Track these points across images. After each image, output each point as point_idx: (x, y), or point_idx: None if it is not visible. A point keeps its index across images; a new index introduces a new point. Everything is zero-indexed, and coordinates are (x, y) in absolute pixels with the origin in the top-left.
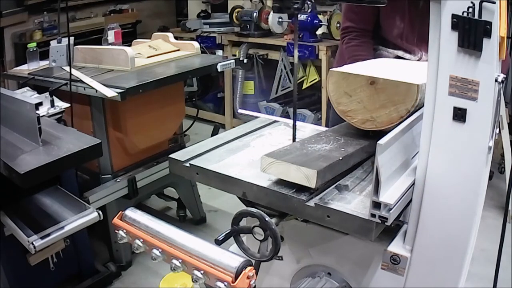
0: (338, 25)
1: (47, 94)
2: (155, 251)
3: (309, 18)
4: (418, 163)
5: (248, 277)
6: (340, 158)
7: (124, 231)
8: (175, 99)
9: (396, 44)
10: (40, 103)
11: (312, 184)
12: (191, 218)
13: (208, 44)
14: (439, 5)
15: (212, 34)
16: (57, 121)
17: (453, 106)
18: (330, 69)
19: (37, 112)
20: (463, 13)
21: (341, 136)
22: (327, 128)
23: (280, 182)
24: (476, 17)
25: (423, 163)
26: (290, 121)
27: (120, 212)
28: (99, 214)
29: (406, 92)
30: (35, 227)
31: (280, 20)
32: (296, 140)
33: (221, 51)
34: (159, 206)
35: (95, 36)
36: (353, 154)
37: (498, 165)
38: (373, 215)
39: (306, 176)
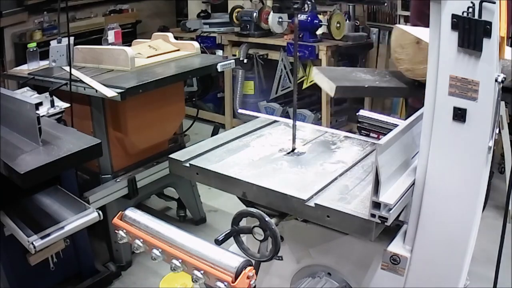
0: (338, 25)
1: (47, 94)
2: (155, 251)
3: (309, 18)
4: (418, 163)
5: (248, 277)
6: (366, 86)
7: (124, 231)
8: (175, 99)
9: None
10: (40, 103)
11: (331, 94)
12: (191, 218)
13: (208, 44)
14: (439, 5)
15: (212, 34)
16: (57, 121)
17: (453, 106)
18: (395, 25)
19: (37, 112)
20: (463, 13)
21: (390, 76)
22: (327, 129)
23: (280, 182)
24: (476, 17)
25: (423, 163)
26: (290, 121)
27: (120, 212)
28: (99, 214)
29: None
30: (35, 227)
31: (280, 20)
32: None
33: (221, 51)
34: (159, 206)
35: (95, 36)
36: (383, 89)
37: (498, 165)
38: (373, 215)
39: (330, 87)
